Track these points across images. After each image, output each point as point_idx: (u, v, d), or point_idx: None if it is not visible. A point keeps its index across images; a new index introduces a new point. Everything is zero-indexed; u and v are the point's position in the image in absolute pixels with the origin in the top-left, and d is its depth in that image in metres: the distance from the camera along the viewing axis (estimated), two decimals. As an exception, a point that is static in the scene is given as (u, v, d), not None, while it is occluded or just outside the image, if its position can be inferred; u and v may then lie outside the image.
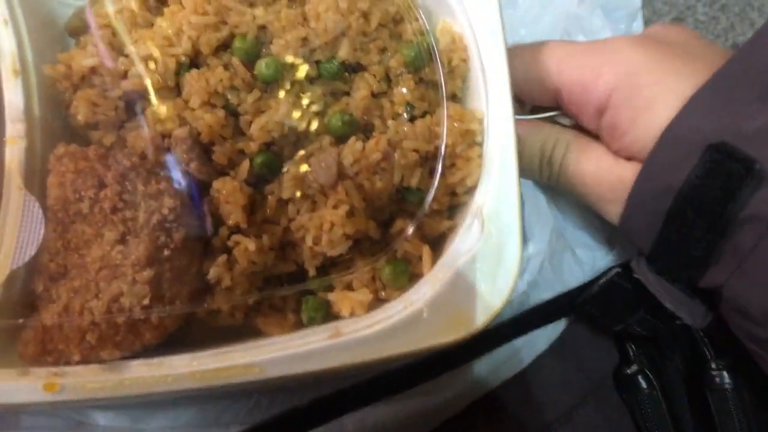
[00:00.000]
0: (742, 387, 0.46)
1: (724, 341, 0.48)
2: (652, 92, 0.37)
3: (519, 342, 0.51)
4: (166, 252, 0.39)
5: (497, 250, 0.40)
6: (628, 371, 0.50)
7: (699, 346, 0.47)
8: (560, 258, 0.49)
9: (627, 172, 0.40)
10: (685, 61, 0.37)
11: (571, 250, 0.49)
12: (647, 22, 0.61)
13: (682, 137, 0.36)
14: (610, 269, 0.48)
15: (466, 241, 0.41)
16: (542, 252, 0.47)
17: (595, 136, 0.44)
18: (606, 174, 0.41)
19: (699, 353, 0.47)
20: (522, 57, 0.44)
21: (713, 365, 0.46)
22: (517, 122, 0.41)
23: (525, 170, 0.45)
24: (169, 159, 0.41)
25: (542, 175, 0.46)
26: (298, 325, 0.43)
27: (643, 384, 0.49)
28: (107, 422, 0.45)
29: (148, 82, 0.41)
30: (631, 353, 0.50)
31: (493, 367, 0.51)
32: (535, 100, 0.46)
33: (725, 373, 0.46)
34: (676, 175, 0.36)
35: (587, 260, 0.51)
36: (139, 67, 0.41)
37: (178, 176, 0.41)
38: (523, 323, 0.50)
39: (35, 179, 0.40)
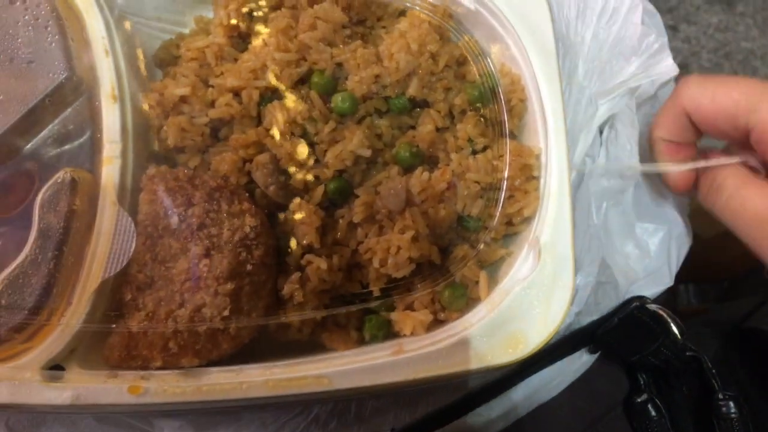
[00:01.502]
0: (747, 416, 0.48)
1: (730, 373, 0.51)
2: None
3: (547, 375, 0.53)
4: (248, 267, 0.42)
5: (551, 279, 0.43)
6: (639, 399, 0.52)
7: (707, 377, 0.50)
8: (603, 288, 0.52)
9: None
10: None
11: (615, 280, 0.52)
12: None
13: None
14: (629, 303, 0.51)
15: (523, 269, 0.44)
16: (590, 284, 0.50)
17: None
18: None
19: (707, 384, 0.50)
20: (716, 89, 0.43)
21: (720, 395, 0.48)
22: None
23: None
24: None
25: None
26: (360, 342, 0.45)
27: (653, 412, 0.51)
28: None
29: (233, 111, 0.45)
30: (642, 382, 0.53)
31: (527, 394, 0.53)
32: (718, 134, 0.45)
33: (731, 403, 0.48)
34: None
35: (623, 288, 0.54)
36: (226, 98, 0.45)
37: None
38: (552, 353, 0.52)
39: (127, 196, 0.43)
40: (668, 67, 0.53)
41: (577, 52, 0.52)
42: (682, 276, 0.55)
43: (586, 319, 0.52)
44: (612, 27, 0.53)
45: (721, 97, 0.42)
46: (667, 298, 0.54)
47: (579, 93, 0.51)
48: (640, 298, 0.50)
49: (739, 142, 0.44)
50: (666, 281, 0.53)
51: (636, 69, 0.53)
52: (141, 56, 0.48)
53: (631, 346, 0.50)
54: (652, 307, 0.50)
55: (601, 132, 0.54)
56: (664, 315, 0.49)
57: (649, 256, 0.54)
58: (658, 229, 0.53)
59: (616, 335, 0.50)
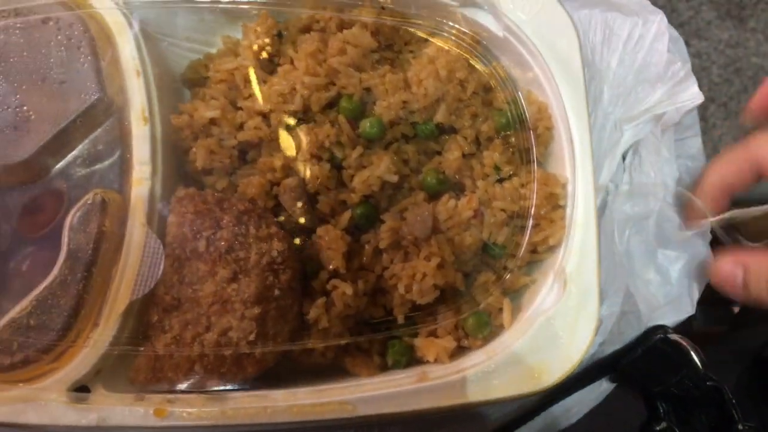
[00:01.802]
0: None
1: (750, 404, 0.51)
2: None
3: (566, 402, 0.52)
4: (275, 292, 0.42)
5: (576, 309, 0.43)
6: (658, 428, 0.51)
7: (727, 407, 0.49)
8: (626, 318, 0.52)
9: None
10: None
11: (638, 309, 0.52)
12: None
13: None
14: (652, 333, 0.51)
15: (548, 299, 0.44)
16: (615, 314, 0.50)
17: None
18: None
19: (727, 414, 0.50)
20: None
21: (740, 426, 0.48)
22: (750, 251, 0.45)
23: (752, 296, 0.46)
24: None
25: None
26: (383, 368, 0.45)
27: None
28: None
29: (261, 134, 0.45)
30: (661, 411, 0.52)
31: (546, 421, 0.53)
32: None
33: None
34: None
35: (645, 317, 0.54)
36: (255, 121, 0.45)
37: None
38: (575, 383, 0.52)
39: (155, 217, 0.43)
40: (693, 94, 0.53)
41: (602, 78, 0.52)
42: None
43: (609, 349, 0.52)
44: (638, 54, 0.53)
45: None
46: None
47: (604, 119, 0.51)
48: (662, 327, 0.50)
49: None
50: (687, 310, 0.53)
51: (661, 96, 0.53)
52: (171, 77, 0.48)
53: (654, 377, 0.50)
54: (674, 337, 0.50)
55: (623, 158, 0.54)
56: (687, 345, 0.49)
57: (671, 284, 0.53)
58: (680, 257, 0.53)
59: (639, 366, 0.50)
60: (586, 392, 0.53)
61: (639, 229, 0.53)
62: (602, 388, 0.54)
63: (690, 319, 0.65)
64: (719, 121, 1.55)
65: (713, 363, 0.51)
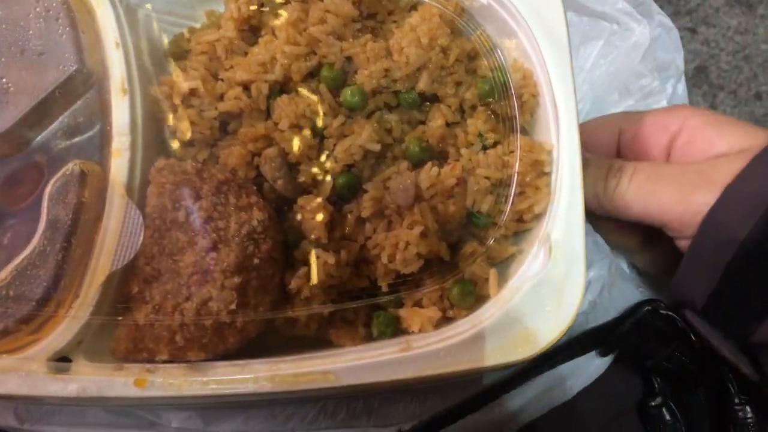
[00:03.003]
0: (764, 421, 0.47)
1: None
2: (711, 134, 0.42)
3: (559, 378, 0.52)
4: (255, 261, 0.41)
5: (563, 276, 0.42)
6: (653, 403, 0.51)
7: (724, 381, 0.48)
8: (619, 287, 0.51)
9: (699, 199, 0.41)
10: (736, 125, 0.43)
11: (633, 280, 0.51)
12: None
13: (746, 193, 0.38)
14: (641, 306, 0.50)
15: (533, 266, 0.43)
16: (602, 278, 0.49)
17: None
18: (677, 202, 0.43)
19: (723, 388, 0.48)
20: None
21: (737, 400, 0.47)
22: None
23: None
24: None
25: (597, 195, 0.48)
26: (368, 339, 0.45)
27: (667, 416, 0.50)
28: (179, 424, 0.47)
29: (242, 105, 0.44)
30: (656, 386, 0.52)
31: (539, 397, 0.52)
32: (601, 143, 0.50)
33: (748, 408, 0.47)
34: (739, 230, 0.37)
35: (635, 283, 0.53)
36: (235, 91, 0.45)
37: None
38: (563, 353, 0.51)
39: (135, 188, 0.43)
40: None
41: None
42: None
43: (601, 317, 0.51)
44: (611, 62, 0.54)
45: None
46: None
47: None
48: (653, 301, 0.50)
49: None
50: None
51: (626, 108, 0.56)
52: (151, 49, 0.47)
53: (645, 350, 0.49)
54: (664, 309, 0.49)
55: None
56: (677, 318, 0.48)
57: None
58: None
59: (630, 339, 0.49)
60: (580, 367, 0.52)
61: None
62: (596, 363, 0.53)
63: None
64: (729, 108, 1.53)
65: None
